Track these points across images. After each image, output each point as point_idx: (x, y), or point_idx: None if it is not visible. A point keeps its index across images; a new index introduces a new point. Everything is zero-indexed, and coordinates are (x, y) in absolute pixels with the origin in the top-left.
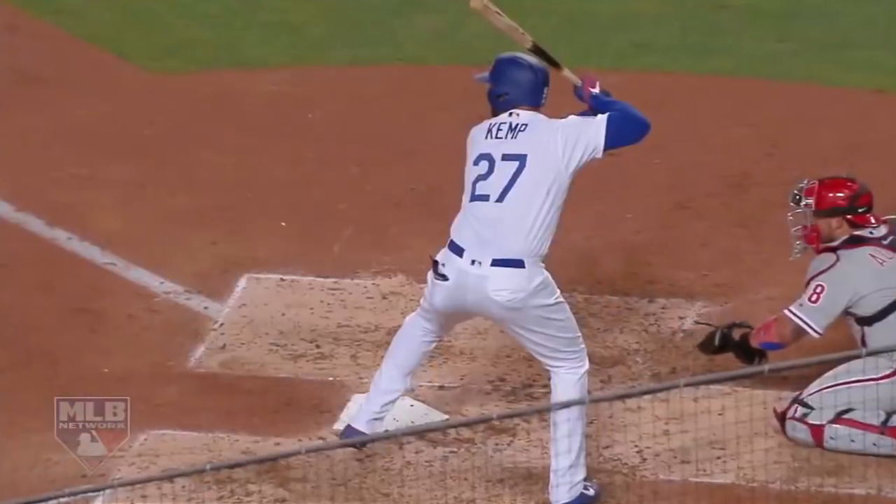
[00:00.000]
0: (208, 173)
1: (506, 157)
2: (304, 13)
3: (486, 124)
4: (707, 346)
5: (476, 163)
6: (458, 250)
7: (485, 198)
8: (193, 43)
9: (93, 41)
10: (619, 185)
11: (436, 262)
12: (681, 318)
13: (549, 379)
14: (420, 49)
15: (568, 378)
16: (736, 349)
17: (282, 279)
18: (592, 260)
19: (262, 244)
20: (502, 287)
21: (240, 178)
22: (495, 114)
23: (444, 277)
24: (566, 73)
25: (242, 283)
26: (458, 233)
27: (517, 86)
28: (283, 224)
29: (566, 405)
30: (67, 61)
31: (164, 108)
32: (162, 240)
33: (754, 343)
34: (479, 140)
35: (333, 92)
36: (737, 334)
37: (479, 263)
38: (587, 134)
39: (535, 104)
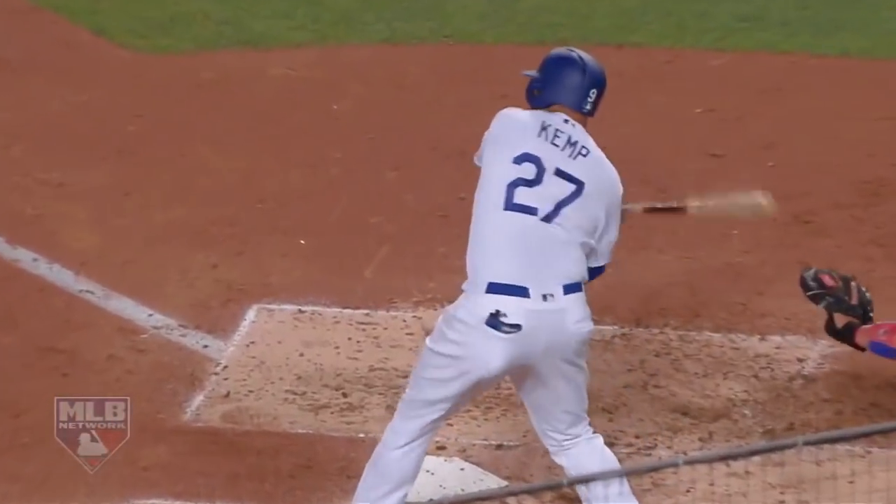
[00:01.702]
0: (208, 179)
1: (560, 174)
2: None
3: (535, 117)
4: (829, 329)
5: (518, 161)
6: (516, 290)
7: (530, 210)
8: (190, 16)
9: (63, 13)
10: (718, 190)
11: (495, 315)
12: (800, 360)
13: (560, 452)
14: (472, 23)
15: (597, 443)
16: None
17: (300, 311)
18: (688, 287)
19: (276, 267)
20: (581, 316)
21: (247, 184)
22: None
23: (515, 328)
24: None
25: (251, 315)
26: (493, 265)
27: (563, 85)
28: (302, 242)
29: (624, 473)
30: (33, 40)
31: (153, 98)
32: (150, 262)
33: (862, 341)
34: (526, 133)
35: (365, 77)
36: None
37: (552, 296)
38: (612, 231)
39: (580, 109)
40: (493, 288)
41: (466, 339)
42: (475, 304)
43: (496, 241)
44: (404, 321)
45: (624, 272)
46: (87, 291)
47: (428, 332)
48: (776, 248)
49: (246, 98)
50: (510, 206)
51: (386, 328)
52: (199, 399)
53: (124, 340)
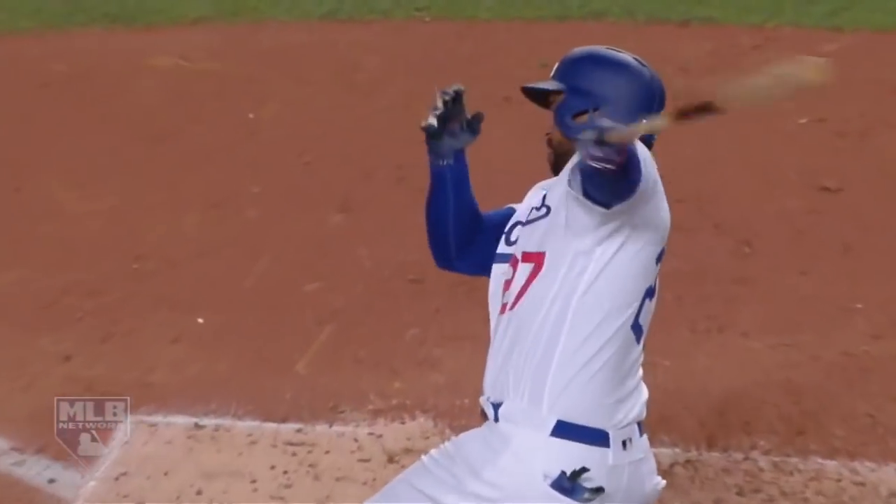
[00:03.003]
0: (57, 225)
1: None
2: None
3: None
4: None
5: (659, 259)
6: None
7: (643, 333)
8: None
9: None
10: (833, 246)
11: (580, 472)
12: None
13: None
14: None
15: None
16: None
17: (197, 425)
18: (788, 389)
19: (161, 359)
20: (653, 466)
21: (117, 234)
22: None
23: (599, 491)
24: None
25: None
26: (624, 409)
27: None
28: (201, 321)
29: None
30: None
31: None
32: None
33: None
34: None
35: (296, 70)
36: None
37: (630, 441)
38: None
39: None
40: (598, 439)
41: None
42: (569, 458)
43: (630, 382)
44: (355, 440)
45: (689, 367)
46: None
47: None
48: None
49: (116, 103)
50: (640, 327)
51: (328, 451)
52: None
53: None
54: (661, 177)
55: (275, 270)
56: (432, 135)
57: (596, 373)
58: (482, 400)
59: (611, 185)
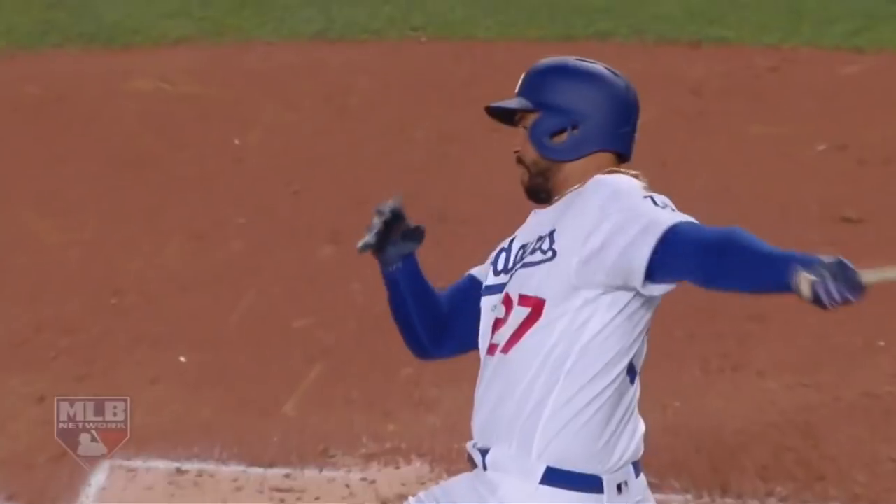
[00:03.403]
0: (31, 257)
1: None
2: None
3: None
4: None
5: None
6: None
7: (637, 374)
8: None
9: None
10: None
11: None
12: None
13: None
14: (456, 9)
15: None
16: None
17: (179, 470)
18: (806, 432)
19: (140, 400)
20: None
21: (95, 266)
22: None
23: None
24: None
25: (99, 477)
26: (618, 450)
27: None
28: (183, 360)
29: None
30: None
31: None
32: None
33: None
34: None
35: (285, 93)
36: None
37: (626, 484)
38: None
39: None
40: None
41: None
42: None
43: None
44: (347, 486)
45: (702, 408)
46: None
47: None
48: None
49: (93, 128)
50: (632, 368)
51: (318, 498)
52: None
53: None
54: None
55: (261, 306)
56: (374, 249)
57: (589, 419)
58: (469, 446)
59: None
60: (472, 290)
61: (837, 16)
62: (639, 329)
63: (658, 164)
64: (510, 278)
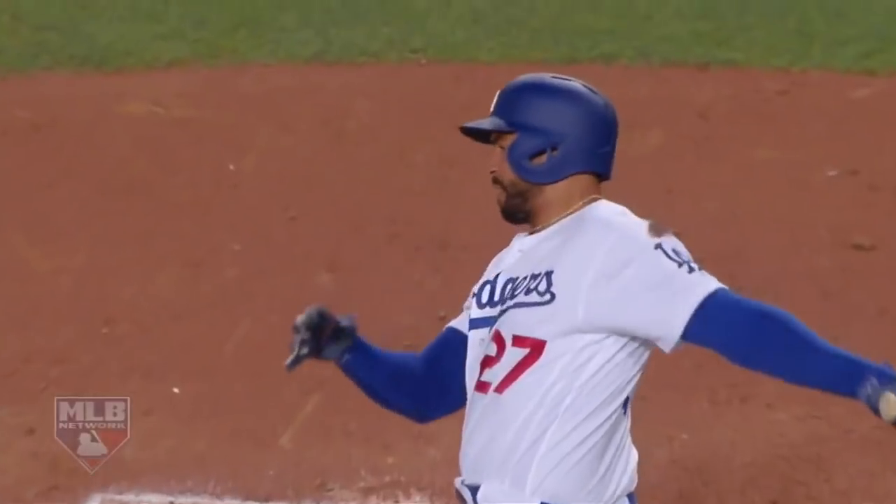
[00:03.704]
0: (21, 285)
1: None
2: None
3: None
4: None
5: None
6: None
7: (629, 403)
8: None
9: None
10: (866, 309)
11: None
12: None
13: None
14: (458, 30)
15: None
16: None
17: None
18: (818, 467)
19: (133, 431)
20: None
21: (85, 294)
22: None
23: None
24: None
25: None
26: (613, 483)
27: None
28: (176, 391)
29: None
30: None
31: None
32: None
33: None
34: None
35: (281, 117)
36: None
37: None
38: None
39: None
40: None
41: None
42: None
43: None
44: None
45: (710, 440)
46: None
47: None
48: None
49: (84, 153)
50: (626, 401)
51: None
52: None
53: None
54: (680, 233)
55: (256, 335)
56: (311, 357)
57: (585, 454)
58: (457, 482)
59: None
60: (456, 343)
61: (848, 38)
62: (640, 364)
63: (664, 190)
64: (500, 314)
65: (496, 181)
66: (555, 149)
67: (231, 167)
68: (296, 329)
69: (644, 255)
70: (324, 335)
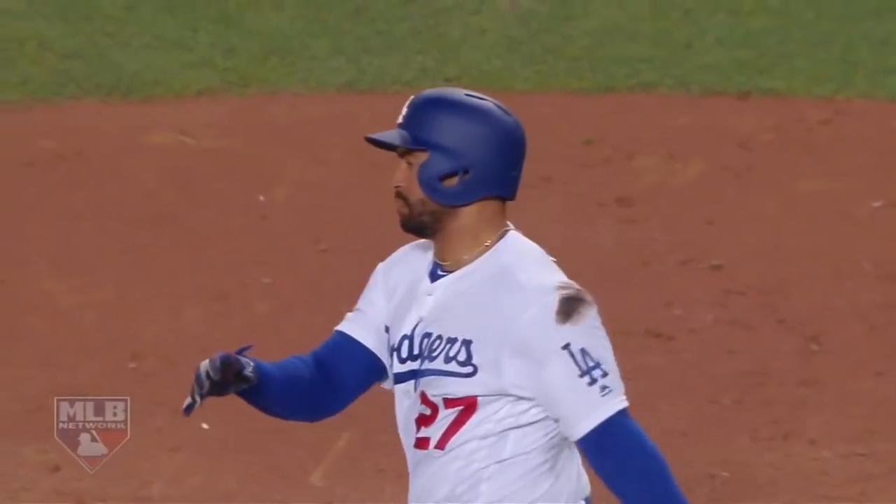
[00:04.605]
0: (45, 320)
1: None
2: None
3: None
4: None
5: None
6: None
7: None
8: (16, 44)
9: None
10: None
11: None
12: None
13: None
14: (493, 58)
15: None
16: None
17: None
18: None
19: (161, 468)
20: None
21: (112, 329)
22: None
23: None
24: None
25: None
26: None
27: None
28: (205, 427)
29: None
30: None
31: None
32: None
33: None
34: None
35: (313, 147)
36: None
37: None
38: None
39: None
40: None
41: None
42: None
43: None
44: None
45: (751, 478)
46: None
47: None
48: None
49: (111, 184)
50: None
51: None
52: None
53: None
54: (722, 266)
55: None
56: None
57: (532, 469)
58: None
59: None
60: (347, 348)
61: (893, 66)
62: None
63: (704, 221)
64: (421, 371)
65: (399, 196)
66: (466, 171)
67: (261, 198)
68: (197, 378)
69: (553, 355)
70: (226, 381)
